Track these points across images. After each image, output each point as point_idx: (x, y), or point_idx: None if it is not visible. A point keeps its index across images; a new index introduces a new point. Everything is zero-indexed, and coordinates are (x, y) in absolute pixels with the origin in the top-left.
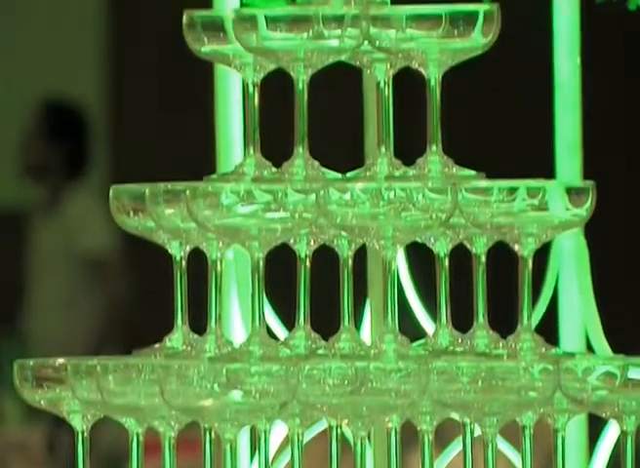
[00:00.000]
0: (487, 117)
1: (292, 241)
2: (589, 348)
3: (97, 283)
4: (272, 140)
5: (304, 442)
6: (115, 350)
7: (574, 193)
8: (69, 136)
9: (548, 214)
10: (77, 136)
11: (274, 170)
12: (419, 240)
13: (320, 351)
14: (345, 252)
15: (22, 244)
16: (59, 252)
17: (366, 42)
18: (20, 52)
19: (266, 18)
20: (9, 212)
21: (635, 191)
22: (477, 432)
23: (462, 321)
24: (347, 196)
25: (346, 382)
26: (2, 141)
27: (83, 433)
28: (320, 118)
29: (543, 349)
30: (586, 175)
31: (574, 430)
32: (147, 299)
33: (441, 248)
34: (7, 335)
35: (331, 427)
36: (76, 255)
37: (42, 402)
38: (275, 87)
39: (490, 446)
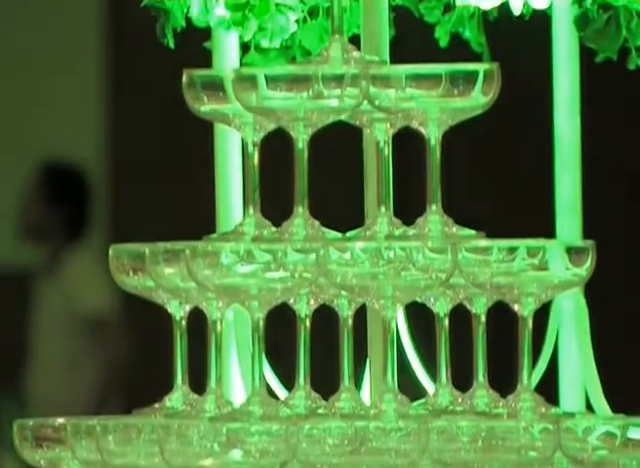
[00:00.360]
0: (487, 176)
1: (292, 300)
2: (589, 408)
3: (97, 343)
4: (272, 199)
5: None
6: (115, 410)
7: (574, 253)
8: (69, 197)
9: (548, 273)
10: (77, 197)
11: (274, 229)
12: (418, 299)
13: (320, 411)
14: (345, 311)
15: (23, 305)
16: (59, 312)
17: (365, 101)
18: (18, 111)
19: (266, 77)
20: (9, 273)
21: (635, 251)
22: None
23: (462, 380)
24: (347, 255)
25: (346, 442)
26: (1, 203)
27: None
28: (320, 177)
29: (543, 409)
30: (586, 235)
31: None
32: (147, 359)
33: (441, 307)
34: (7, 395)
35: None
36: (76, 316)
37: (42, 462)
38: (275, 146)
39: None
